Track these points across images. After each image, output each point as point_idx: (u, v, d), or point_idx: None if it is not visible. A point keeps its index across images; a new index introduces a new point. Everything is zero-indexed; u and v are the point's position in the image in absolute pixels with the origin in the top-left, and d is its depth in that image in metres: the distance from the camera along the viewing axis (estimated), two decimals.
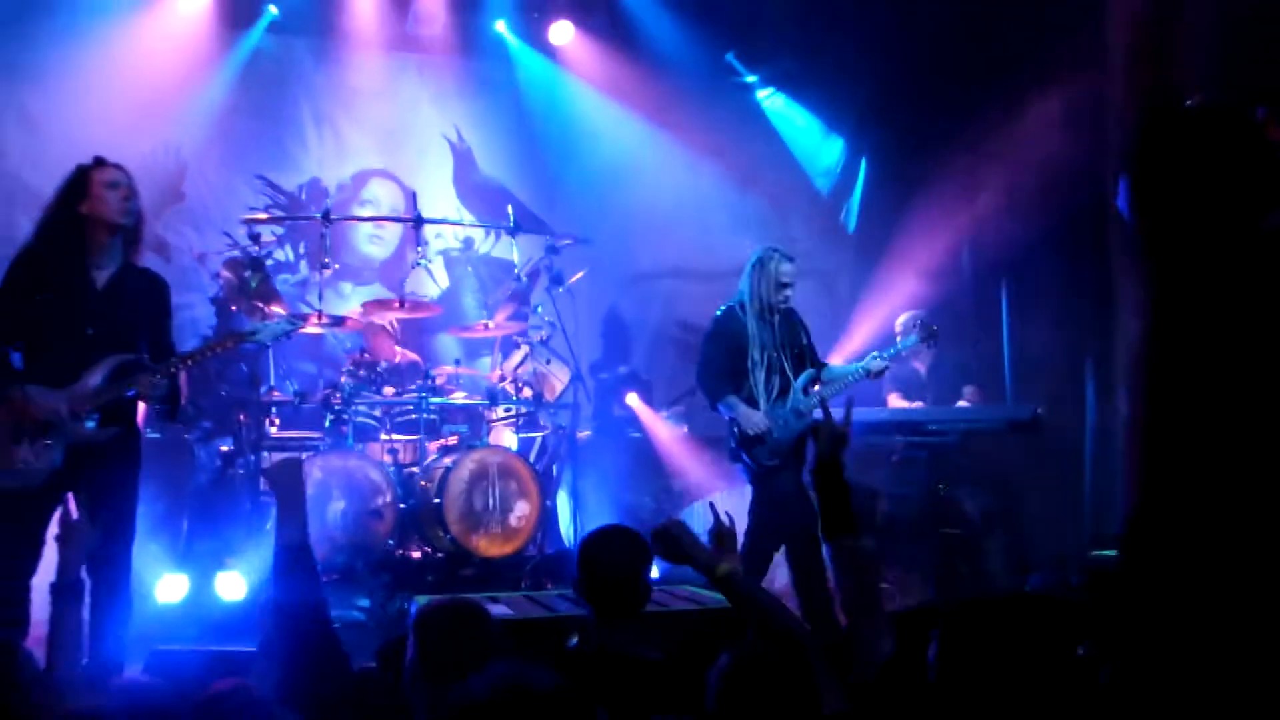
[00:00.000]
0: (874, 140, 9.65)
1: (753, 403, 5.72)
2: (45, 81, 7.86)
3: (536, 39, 9.23)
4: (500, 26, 9.16)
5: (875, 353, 6.09)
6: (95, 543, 3.45)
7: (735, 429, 5.78)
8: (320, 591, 3.09)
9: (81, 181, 4.51)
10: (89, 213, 4.48)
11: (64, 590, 3.11)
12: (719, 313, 5.99)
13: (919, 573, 6.94)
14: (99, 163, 4.58)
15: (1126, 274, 8.12)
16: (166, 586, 5.91)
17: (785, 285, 5.87)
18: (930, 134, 8.93)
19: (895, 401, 7.72)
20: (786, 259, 5.94)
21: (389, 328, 7.60)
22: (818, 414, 4.73)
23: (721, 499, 7.33)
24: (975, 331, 8.38)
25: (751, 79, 9.73)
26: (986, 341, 8.35)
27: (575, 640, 3.11)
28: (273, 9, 8.59)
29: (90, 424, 4.31)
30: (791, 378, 5.81)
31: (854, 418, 6.90)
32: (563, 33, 9.17)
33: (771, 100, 9.78)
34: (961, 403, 7.57)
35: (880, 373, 6.05)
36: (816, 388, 5.90)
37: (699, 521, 7.29)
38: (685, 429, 8.03)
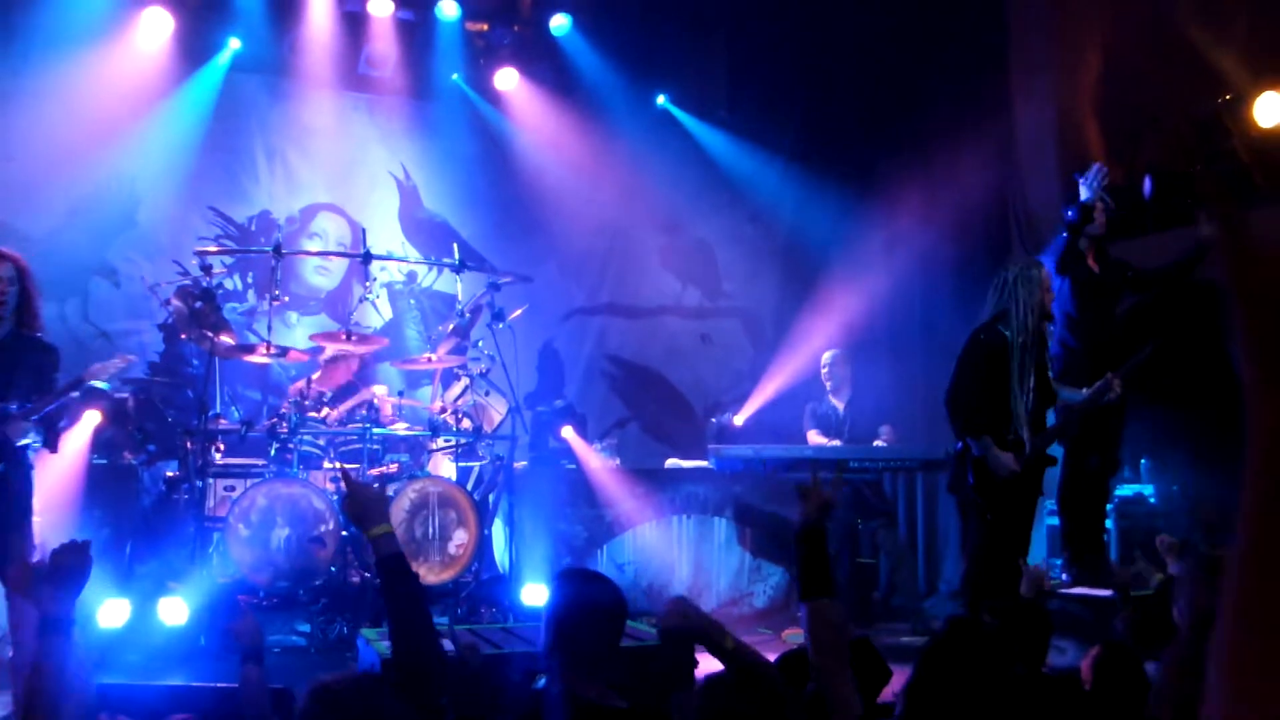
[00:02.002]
0: (801, 182, 10.07)
1: (1018, 444, 5.24)
2: (3, 109, 8.02)
3: (482, 84, 9.57)
4: (453, 77, 9.49)
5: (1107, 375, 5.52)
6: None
7: (973, 466, 5.29)
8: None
9: None
10: None
11: (54, 626, 2.99)
12: (981, 335, 5.37)
13: (838, 601, 7.26)
14: None
15: None
16: (108, 611, 6.02)
17: (1049, 289, 5.39)
18: (854, 178, 9.41)
19: (814, 438, 8.07)
20: (1040, 264, 5.45)
21: (350, 361, 7.81)
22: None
23: (649, 530, 7.71)
24: (892, 370, 8.74)
25: (683, 119, 10.10)
26: (903, 381, 8.73)
27: (543, 681, 3.14)
28: (234, 42, 8.81)
29: None
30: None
31: (775, 454, 7.26)
32: (508, 79, 9.52)
33: (703, 140, 10.15)
34: (878, 442, 7.92)
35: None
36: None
37: (627, 551, 7.62)
38: (617, 461, 8.32)
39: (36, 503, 5.73)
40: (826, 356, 8.15)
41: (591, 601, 2.98)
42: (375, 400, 7.39)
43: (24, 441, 4.92)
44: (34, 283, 5.11)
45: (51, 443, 5.15)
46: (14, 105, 8.01)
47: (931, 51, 8.95)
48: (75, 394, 5.21)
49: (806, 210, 9.90)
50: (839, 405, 8.11)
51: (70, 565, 2.89)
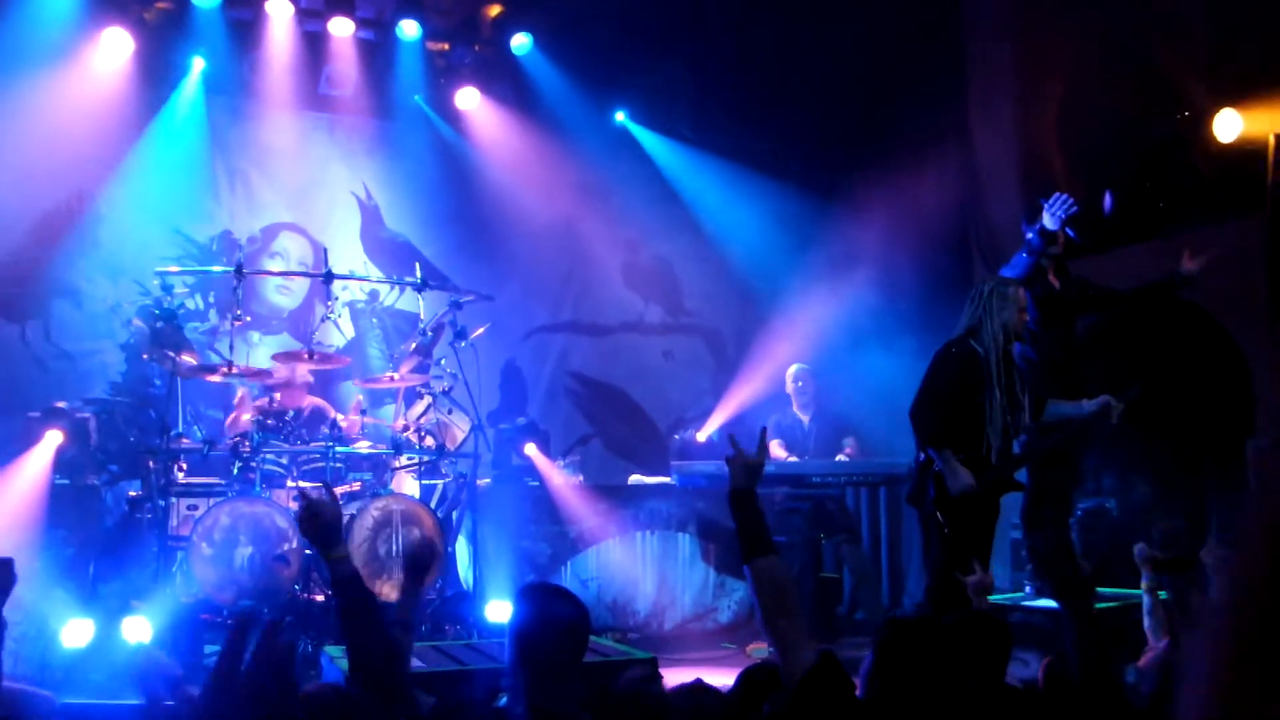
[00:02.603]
0: (763, 199, 10.17)
1: (983, 461, 5.20)
2: None
3: (444, 104, 9.63)
4: (415, 98, 9.55)
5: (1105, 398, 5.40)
6: None
7: (934, 480, 5.25)
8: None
9: None
10: None
11: None
12: (952, 348, 5.35)
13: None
14: None
15: None
16: (72, 631, 6.00)
17: (1024, 309, 5.36)
18: (817, 196, 9.55)
19: (777, 450, 8.15)
20: (1016, 282, 5.44)
21: (307, 379, 7.82)
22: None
23: (612, 546, 7.76)
24: (855, 385, 8.82)
25: (644, 136, 10.20)
26: (866, 395, 8.82)
27: (505, 699, 3.13)
28: (199, 61, 8.83)
29: None
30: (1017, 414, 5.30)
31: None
32: (469, 98, 9.59)
33: (665, 157, 10.25)
34: (841, 455, 8.01)
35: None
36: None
37: (591, 568, 7.67)
38: (580, 478, 8.37)
39: None
40: (793, 370, 8.24)
41: (554, 616, 2.98)
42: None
43: None
44: None
45: None
46: None
47: (894, 72, 9.11)
48: None
49: (769, 227, 9.99)
50: (804, 419, 8.19)
51: None
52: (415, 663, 4.55)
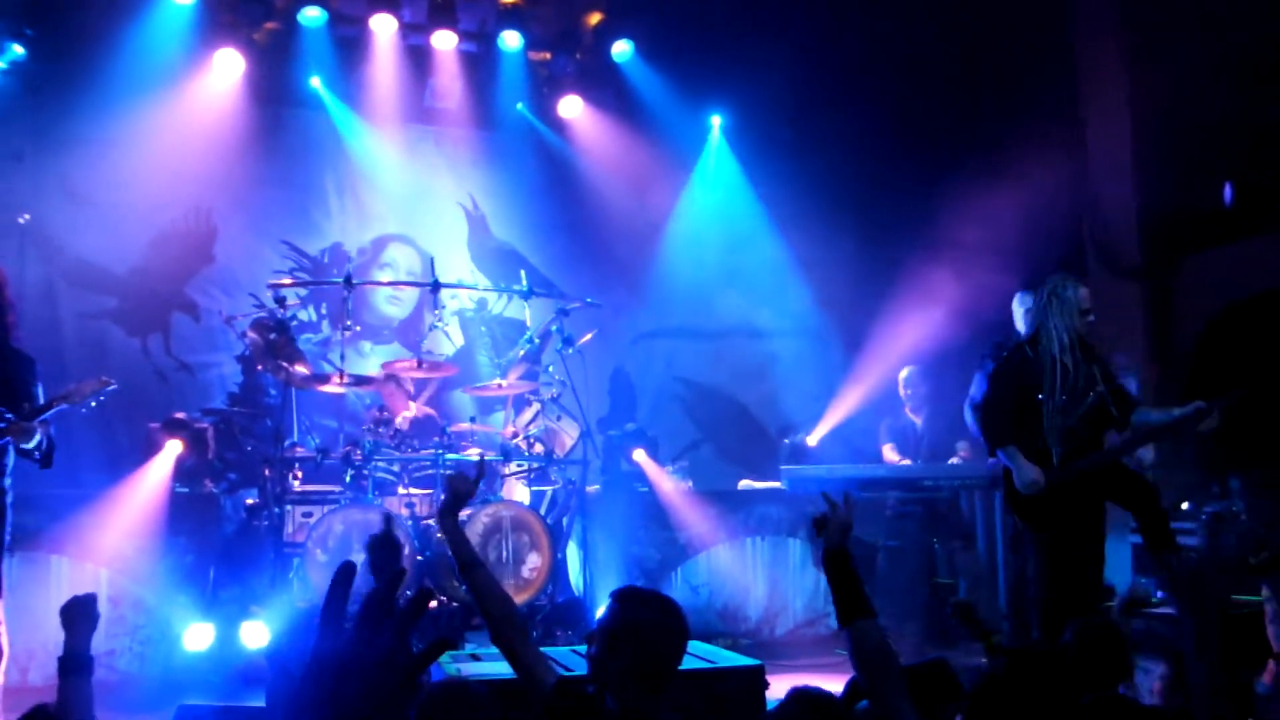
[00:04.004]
0: (865, 201, 10.02)
1: (1043, 454, 5.14)
2: (86, 152, 8.30)
3: (547, 112, 9.69)
4: (518, 106, 9.61)
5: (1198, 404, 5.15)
6: None
7: (1004, 479, 5.32)
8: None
9: None
10: None
11: (73, 664, 3.17)
12: (1004, 352, 5.48)
13: (913, 624, 7.18)
14: None
15: (1105, 333, 8.48)
16: (193, 635, 6.16)
17: (1087, 311, 5.26)
18: (923, 192, 9.33)
19: (889, 454, 7.98)
20: (1079, 284, 5.33)
21: (406, 386, 7.91)
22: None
23: (722, 552, 7.68)
24: (968, 386, 8.60)
25: (744, 138, 10.08)
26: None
27: (593, 688, 3.07)
28: (315, 81, 9.06)
29: None
30: (1089, 424, 5.19)
31: (849, 474, 7.17)
32: (571, 107, 9.62)
33: (768, 158, 10.09)
34: (954, 459, 7.80)
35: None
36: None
37: (701, 573, 7.61)
38: (689, 484, 8.31)
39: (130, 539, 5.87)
40: (904, 373, 8.08)
41: (641, 620, 2.97)
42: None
43: (29, 446, 4.79)
44: (9, 292, 5.01)
45: (46, 458, 4.99)
46: (96, 149, 8.27)
47: (1000, 61, 8.88)
48: (54, 411, 4.96)
49: (874, 226, 9.82)
50: (917, 421, 8.02)
51: (81, 612, 3.18)
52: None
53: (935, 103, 9.33)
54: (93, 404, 4.98)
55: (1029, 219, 8.48)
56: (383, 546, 3.47)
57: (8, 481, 4.91)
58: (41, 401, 4.89)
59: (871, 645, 2.82)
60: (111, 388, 5.03)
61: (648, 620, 2.97)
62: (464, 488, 3.39)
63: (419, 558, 6.71)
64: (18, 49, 8.11)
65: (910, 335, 8.80)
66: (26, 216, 7.89)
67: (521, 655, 3.11)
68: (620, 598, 3.08)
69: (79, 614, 3.22)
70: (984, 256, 8.60)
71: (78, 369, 8.04)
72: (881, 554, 7.43)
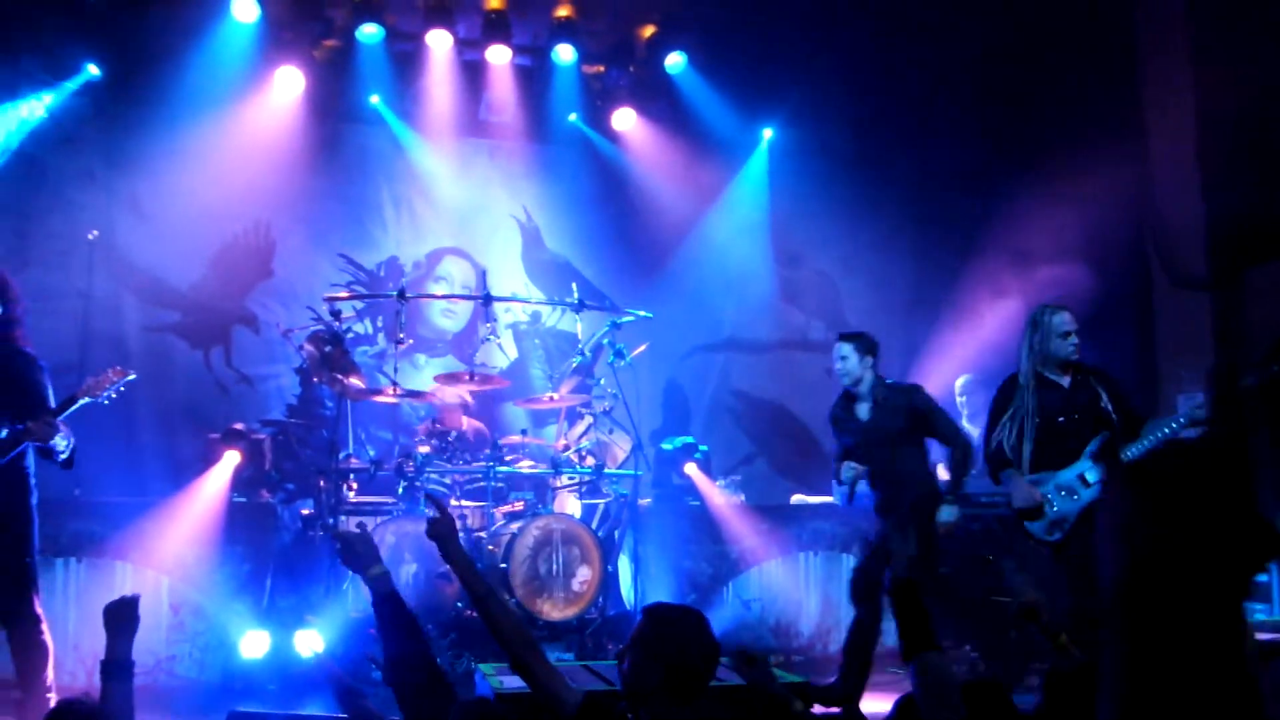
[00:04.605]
0: (922, 211, 9.96)
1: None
2: (153, 169, 8.50)
3: (601, 125, 9.74)
4: (571, 117, 9.67)
5: (1200, 402, 5.73)
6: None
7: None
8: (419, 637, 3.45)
9: None
10: None
11: (114, 669, 3.28)
12: (1002, 383, 5.70)
13: (971, 642, 7.07)
14: None
15: (1169, 345, 8.32)
16: (250, 643, 6.24)
17: (1068, 334, 5.43)
18: (979, 201, 9.24)
19: (941, 471, 7.87)
20: (1059, 309, 5.52)
21: (466, 400, 7.97)
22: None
23: (775, 567, 7.64)
24: None
25: (796, 149, 10.01)
26: None
27: (623, 704, 3.17)
28: (375, 98, 9.20)
29: None
30: (1083, 443, 5.35)
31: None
32: (625, 119, 9.67)
33: (820, 170, 10.02)
34: None
35: (1205, 421, 5.48)
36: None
37: (753, 588, 7.57)
38: (741, 497, 8.27)
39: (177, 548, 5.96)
40: (960, 382, 8.01)
41: (679, 633, 3.03)
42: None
43: (60, 444, 4.86)
44: (12, 294, 4.97)
45: (69, 459, 5.04)
46: (159, 167, 8.46)
47: (1059, 66, 8.75)
48: (77, 406, 4.99)
49: (930, 236, 9.74)
50: (973, 431, 7.91)
51: (123, 615, 3.30)
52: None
53: (994, 111, 9.24)
54: (113, 395, 5.02)
55: (1090, 228, 8.36)
56: (344, 544, 3.55)
57: (33, 483, 4.99)
58: (52, 401, 4.96)
59: (936, 680, 2.81)
60: (130, 377, 5.07)
61: (677, 633, 3.03)
62: (443, 529, 3.42)
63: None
64: (93, 69, 8.32)
65: (968, 346, 8.71)
66: (96, 233, 8.08)
67: (541, 677, 3.15)
68: (651, 612, 3.16)
69: (121, 617, 3.28)
70: (1044, 266, 8.49)
71: (143, 381, 8.22)
72: (937, 571, 7.31)
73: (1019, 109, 9.08)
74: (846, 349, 6.12)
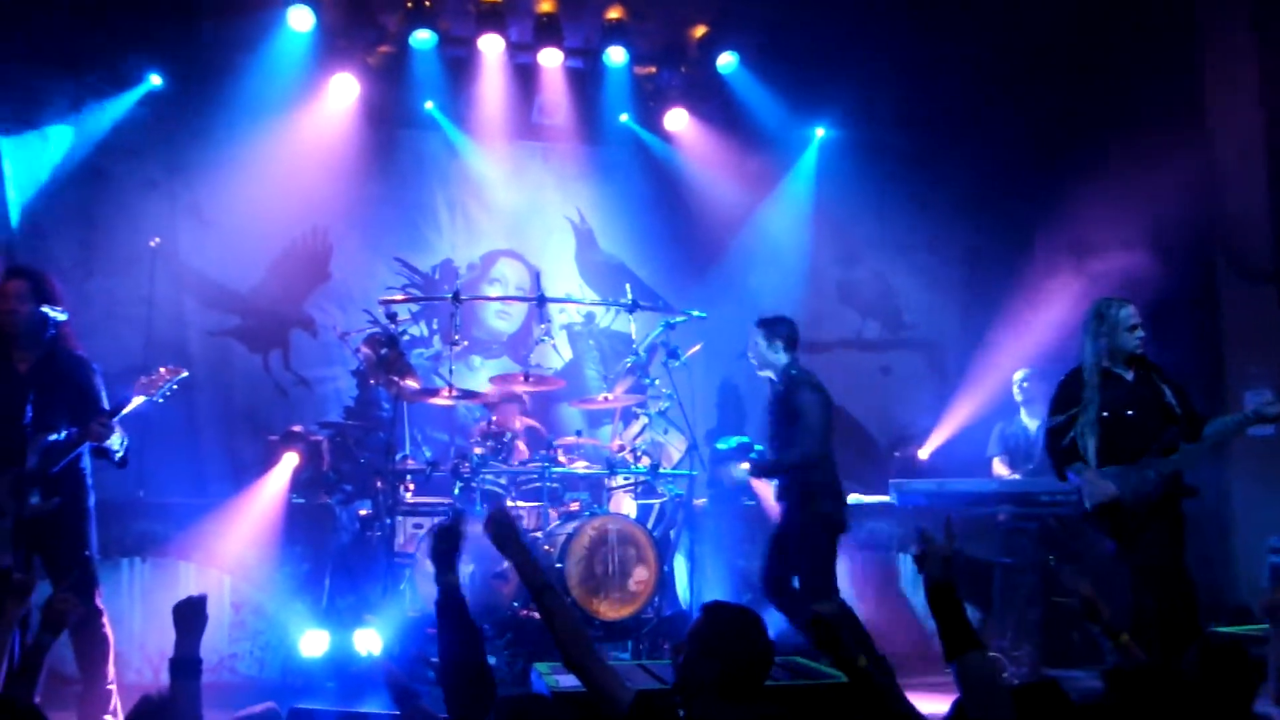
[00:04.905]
0: (979, 207, 9.84)
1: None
2: (213, 177, 8.64)
3: (653, 126, 9.73)
4: (622, 118, 9.67)
5: (1269, 398, 5.36)
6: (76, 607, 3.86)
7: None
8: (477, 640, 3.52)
9: None
10: None
11: (182, 667, 3.30)
12: (1064, 377, 5.60)
13: (1029, 644, 6.97)
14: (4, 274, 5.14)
15: (1235, 340, 8.13)
16: (309, 641, 6.33)
17: (1134, 327, 5.38)
18: (1037, 196, 9.11)
19: (998, 467, 7.79)
20: (1125, 302, 5.47)
21: (523, 399, 8.00)
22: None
23: None
24: None
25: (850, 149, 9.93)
26: None
27: (678, 698, 3.19)
28: (429, 104, 9.29)
29: (33, 499, 4.80)
30: (1148, 438, 5.27)
31: (960, 488, 7.01)
32: (677, 120, 9.65)
33: (874, 169, 9.92)
34: None
35: (1275, 417, 5.28)
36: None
37: None
38: None
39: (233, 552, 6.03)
40: (1019, 375, 7.90)
41: (734, 630, 3.05)
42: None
43: (115, 444, 4.93)
44: (54, 296, 5.02)
45: (124, 459, 5.14)
46: (219, 174, 8.60)
47: (1118, 55, 8.60)
48: (134, 407, 5.02)
49: (987, 233, 9.62)
50: (1031, 425, 7.81)
51: (191, 614, 3.36)
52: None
53: (1050, 104, 9.10)
54: (168, 393, 5.07)
55: (1153, 220, 8.21)
56: (446, 535, 3.61)
57: (89, 484, 5.09)
58: (105, 403, 5.04)
59: (980, 679, 2.82)
60: (182, 375, 5.11)
61: (732, 630, 3.05)
62: (507, 519, 3.52)
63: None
64: (155, 80, 8.48)
65: (1027, 343, 8.59)
66: (158, 239, 8.23)
67: (595, 674, 3.17)
68: (709, 609, 3.19)
69: (190, 616, 3.35)
70: (1106, 259, 8.36)
71: (205, 385, 8.40)
72: (996, 572, 7.22)
73: (1076, 101, 8.93)
74: (752, 335, 6.37)
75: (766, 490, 8.01)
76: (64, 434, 4.87)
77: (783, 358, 6.31)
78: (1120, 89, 8.69)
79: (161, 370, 5.07)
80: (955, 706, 3.22)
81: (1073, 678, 6.53)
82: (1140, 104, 8.52)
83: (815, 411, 6.20)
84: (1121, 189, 8.20)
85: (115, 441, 4.95)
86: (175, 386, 5.08)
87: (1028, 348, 8.52)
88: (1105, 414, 5.29)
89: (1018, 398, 7.88)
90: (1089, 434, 5.30)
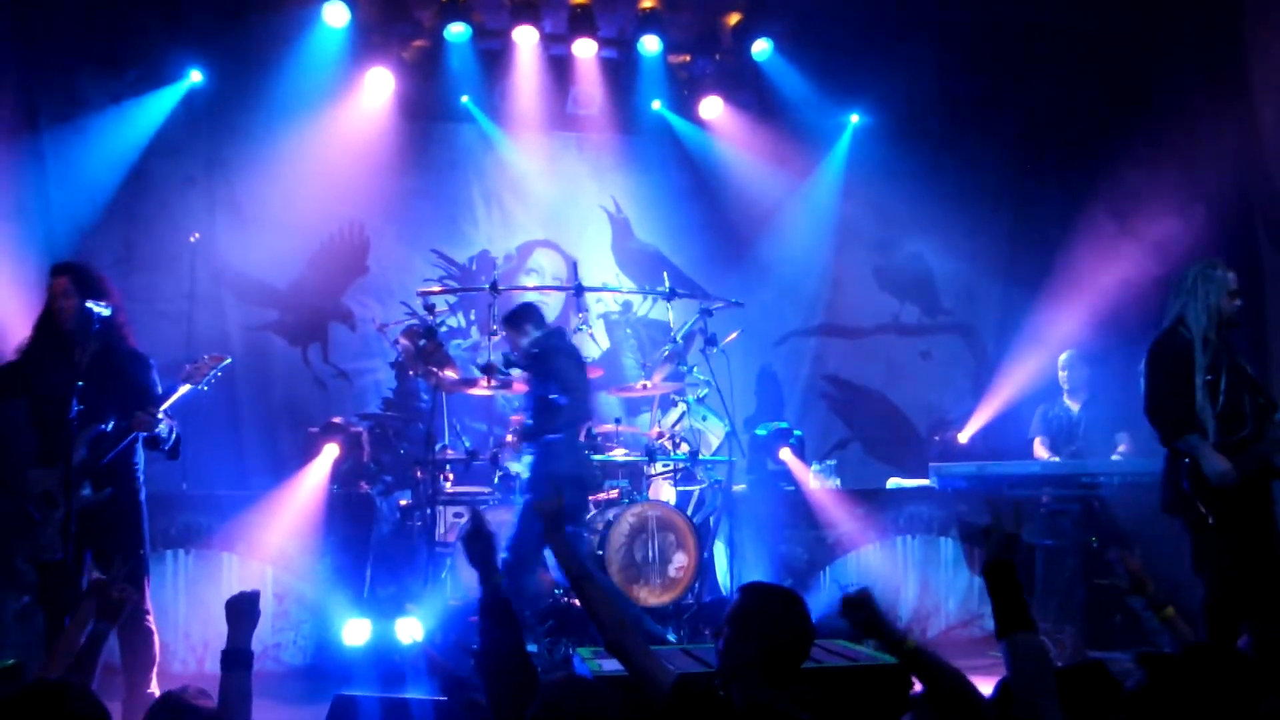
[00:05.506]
0: (1017, 188, 9.75)
1: (1235, 449, 4.94)
2: (251, 173, 8.73)
3: (688, 114, 9.71)
4: (656, 105, 9.66)
5: None
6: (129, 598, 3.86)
7: (1187, 473, 5.01)
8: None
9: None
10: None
11: (234, 658, 3.31)
12: (1159, 337, 5.20)
13: (1072, 626, 6.92)
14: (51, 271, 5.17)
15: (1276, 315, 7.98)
16: (351, 631, 6.37)
17: (1234, 294, 5.14)
18: (1077, 178, 9.00)
19: (1039, 449, 7.71)
20: (1226, 266, 5.20)
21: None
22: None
23: (872, 551, 7.56)
24: (1128, 375, 8.23)
25: (886, 134, 9.85)
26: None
27: (718, 681, 3.18)
28: (464, 98, 9.33)
29: (86, 491, 4.87)
30: (1247, 411, 5.00)
31: (1000, 471, 6.95)
32: (712, 108, 9.62)
33: (912, 153, 9.83)
34: (1116, 453, 7.46)
35: None
36: None
37: (850, 573, 7.50)
38: (836, 482, 8.21)
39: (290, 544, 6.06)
40: (1064, 356, 7.82)
41: (773, 609, 3.04)
42: None
43: (163, 432, 5.00)
44: (100, 291, 5.06)
45: (173, 450, 5.20)
46: (257, 170, 8.68)
47: (1157, 26, 8.45)
48: (179, 396, 5.07)
49: (1026, 217, 9.52)
50: (1074, 408, 7.74)
51: (244, 609, 3.39)
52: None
53: (1091, 83, 8.96)
54: (213, 381, 5.13)
55: (1193, 198, 8.08)
56: (474, 539, 3.62)
57: (141, 478, 5.16)
58: (155, 395, 5.09)
59: (1029, 658, 2.79)
60: (226, 362, 5.18)
61: (772, 610, 3.04)
62: (556, 507, 3.55)
63: None
64: (195, 76, 8.58)
65: (1065, 325, 8.51)
66: (197, 235, 8.33)
67: (636, 658, 3.20)
68: (748, 589, 3.18)
69: (242, 610, 3.40)
70: (1146, 238, 8.23)
71: (245, 378, 8.49)
72: (1038, 553, 7.16)
73: (1119, 74, 8.78)
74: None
75: (805, 473, 8.03)
76: (112, 425, 4.94)
77: (527, 338, 6.66)
78: (1160, 60, 8.54)
79: (206, 358, 5.14)
80: (1000, 687, 3.20)
81: (1115, 659, 6.45)
82: (1181, 76, 8.37)
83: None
84: (1164, 162, 8.08)
85: (163, 430, 5.02)
86: (220, 374, 5.15)
87: (1068, 330, 8.44)
88: (1218, 381, 4.98)
89: (1062, 381, 7.80)
90: (1205, 403, 4.98)
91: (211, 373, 5.10)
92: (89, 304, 4.93)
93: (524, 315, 6.76)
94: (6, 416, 5.36)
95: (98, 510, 4.88)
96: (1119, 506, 7.20)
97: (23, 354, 5.12)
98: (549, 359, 6.53)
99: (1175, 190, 8.08)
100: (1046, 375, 8.11)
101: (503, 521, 6.79)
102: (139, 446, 5.12)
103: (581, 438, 6.87)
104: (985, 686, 3.26)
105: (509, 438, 7.07)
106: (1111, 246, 8.48)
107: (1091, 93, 8.98)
